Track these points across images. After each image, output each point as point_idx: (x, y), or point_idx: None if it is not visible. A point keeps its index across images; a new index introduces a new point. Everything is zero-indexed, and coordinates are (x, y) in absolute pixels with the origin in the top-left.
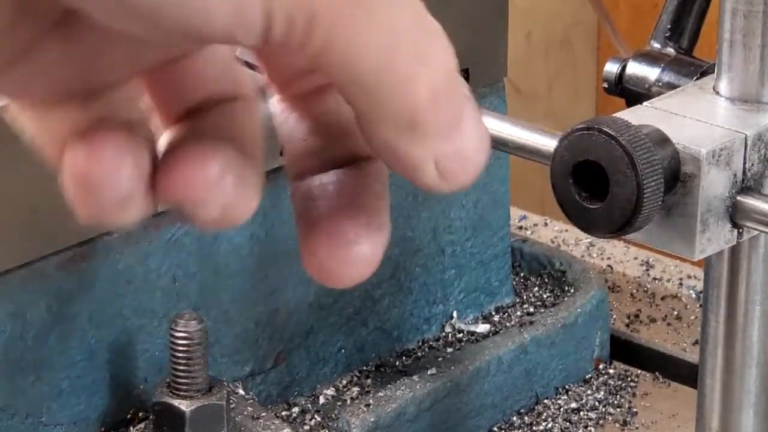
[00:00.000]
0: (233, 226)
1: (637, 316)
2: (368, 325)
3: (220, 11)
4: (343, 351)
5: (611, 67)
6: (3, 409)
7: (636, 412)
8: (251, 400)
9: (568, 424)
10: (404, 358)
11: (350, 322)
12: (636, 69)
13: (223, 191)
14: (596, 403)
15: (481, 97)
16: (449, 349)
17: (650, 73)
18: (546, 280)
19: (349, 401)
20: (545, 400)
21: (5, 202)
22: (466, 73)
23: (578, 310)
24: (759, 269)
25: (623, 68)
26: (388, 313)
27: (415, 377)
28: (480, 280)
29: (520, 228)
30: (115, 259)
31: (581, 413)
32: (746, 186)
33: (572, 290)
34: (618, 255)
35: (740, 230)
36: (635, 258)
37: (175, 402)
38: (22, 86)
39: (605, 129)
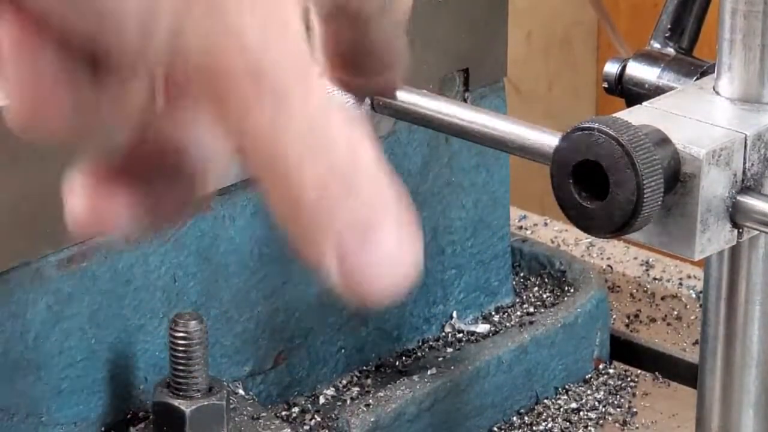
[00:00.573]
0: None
1: (636, 316)
2: (368, 325)
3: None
4: (343, 351)
5: (611, 67)
6: (3, 409)
7: (636, 412)
8: (251, 400)
9: (568, 424)
10: (404, 358)
11: (350, 322)
12: (636, 69)
13: None
14: (596, 403)
15: (481, 97)
16: (449, 349)
17: (650, 73)
18: (546, 280)
19: (349, 401)
20: (545, 400)
21: (5, 202)
22: (466, 73)
23: (578, 310)
24: (759, 269)
25: (623, 68)
26: (388, 313)
27: (415, 377)
28: (480, 280)
29: (520, 228)
30: (115, 259)
31: (581, 413)
32: (746, 186)
33: (572, 290)
34: (618, 255)
35: (740, 230)
36: (635, 258)
37: (175, 402)
38: None
39: (605, 129)
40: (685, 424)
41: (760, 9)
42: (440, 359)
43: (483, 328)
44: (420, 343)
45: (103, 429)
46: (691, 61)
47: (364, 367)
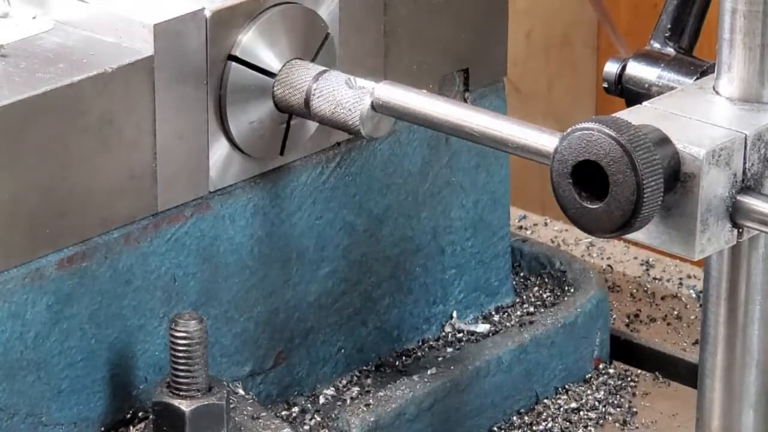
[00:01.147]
0: None
1: (637, 315)
2: (368, 325)
3: None
4: (343, 351)
5: (611, 67)
6: (3, 409)
7: (636, 412)
8: (251, 400)
9: (568, 423)
10: (404, 358)
11: (350, 322)
12: (636, 69)
13: None
14: (596, 402)
15: (481, 97)
16: (449, 349)
17: (650, 73)
18: (546, 280)
19: (349, 401)
20: (545, 400)
21: (5, 202)
22: (466, 73)
23: (578, 309)
24: (759, 269)
25: (623, 68)
26: (388, 313)
27: (415, 377)
28: (480, 280)
29: (520, 228)
30: (115, 259)
31: (581, 413)
32: (746, 186)
33: (572, 290)
34: (618, 255)
35: (740, 230)
36: (635, 258)
37: (175, 402)
38: None
39: (605, 129)
40: (685, 424)
41: (760, 9)
42: (440, 359)
43: (483, 327)
44: (420, 343)
45: (103, 429)
46: (691, 61)
47: (364, 367)
